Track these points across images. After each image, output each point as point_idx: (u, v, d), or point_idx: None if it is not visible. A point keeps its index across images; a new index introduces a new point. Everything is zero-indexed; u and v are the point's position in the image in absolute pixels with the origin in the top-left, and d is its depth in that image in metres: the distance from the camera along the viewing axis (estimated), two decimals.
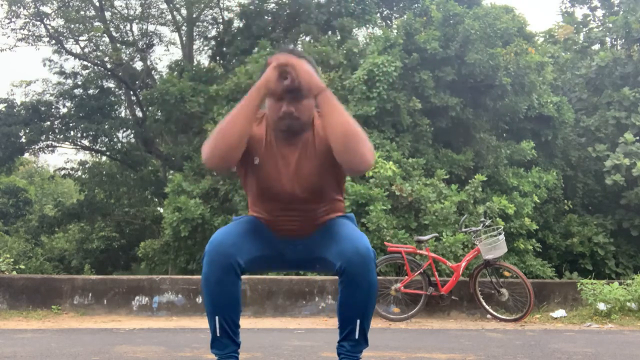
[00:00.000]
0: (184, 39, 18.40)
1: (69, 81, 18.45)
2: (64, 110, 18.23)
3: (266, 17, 15.17)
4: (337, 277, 2.21)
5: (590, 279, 6.85)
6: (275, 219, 2.33)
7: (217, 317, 2.19)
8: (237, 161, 2.20)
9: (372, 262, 2.15)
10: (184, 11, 18.16)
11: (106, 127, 17.31)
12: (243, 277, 2.23)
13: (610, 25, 12.96)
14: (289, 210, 2.30)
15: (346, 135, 2.09)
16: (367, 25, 15.10)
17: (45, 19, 16.78)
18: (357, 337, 2.21)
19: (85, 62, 18.24)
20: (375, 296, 2.24)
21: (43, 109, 17.76)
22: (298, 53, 2.28)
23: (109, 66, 17.63)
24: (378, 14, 15.63)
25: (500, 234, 6.54)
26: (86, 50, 18.05)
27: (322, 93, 2.14)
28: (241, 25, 15.60)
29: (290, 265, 2.49)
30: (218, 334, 2.20)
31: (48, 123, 17.80)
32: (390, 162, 8.66)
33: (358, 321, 2.20)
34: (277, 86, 2.17)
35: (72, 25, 16.91)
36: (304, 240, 2.33)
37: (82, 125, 17.34)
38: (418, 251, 6.57)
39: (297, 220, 2.32)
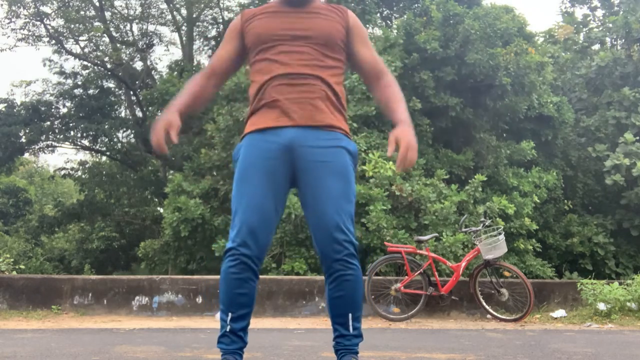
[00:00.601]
0: (184, 39, 18.41)
1: (69, 81, 18.47)
2: (64, 110, 18.25)
3: None
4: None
5: (590, 279, 6.85)
6: (276, 87, 2.28)
7: (230, 314, 2.22)
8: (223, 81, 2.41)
9: (354, 254, 2.18)
10: (184, 11, 18.17)
11: (106, 127, 17.32)
12: None
13: (610, 25, 12.96)
14: (290, 85, 2.28)
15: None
16: (367, 25, 15.09)
17: (45, 19, 16.79)
18: (351, 330, 2.24)
19: (85, 62, 18.26)
20: (362, 285, 2.25)
21: (43, 109, 17.76)
22: None
23: (109, 66, 17.64)
24: (378, 14, 15.61)
25: (500, 234, 6.54)
26: (86, 50, 18.06)
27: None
28: None
29: (293, 164, 2.32)
30: (228, 330, 2.22)
31: (48, 123, 17.81)
32: (390, 162, 8.66)
33: (350, 315, 2.23)
34: None
35: (72, 25, 16.92)
36: (301, 132, 2.25)
37: (82, 125, 17.35)
38: (418, 251, 6.57)
39: (299, 88, 2.27)
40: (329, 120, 2.29)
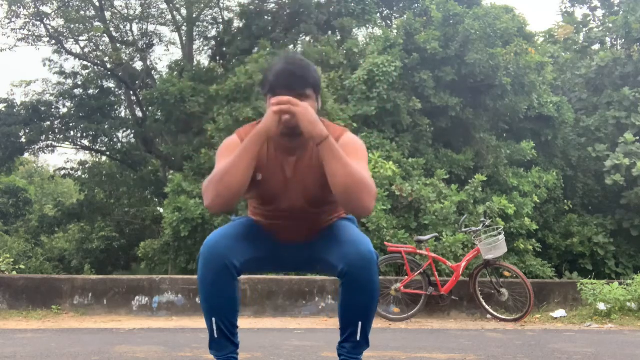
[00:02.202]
0: (184, 39, 18.39)
1: (69, 81, 18.45)
2: (64, 110, 18.23)
3: (266, 17, 15.16)
4: (337, 277, 2.20)
5: (590, 279, 6.85)
6: (276, 227, 2.32)
7: (213, 319, 2.20)
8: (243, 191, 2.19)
9: (375, 265, 2.15)
10: (184, 11, 18.15)
11: (106, 127, 17.32)
12: (243, 277, 2.23)
13: (610, 25, 12.97)
14: (291, 219, 2.29)
15: (349, 187, 2.04)
16: (367, 25, 15.10)
17: (45, 19, 16.77)
18: (358, 339, 2.21)
19: (85, 62, 18.24)
20: (377, 299, 2.24)
21: (43, 109, 17.75)
22: (298, 62, 2.22)
23: (109, 66, 17.62)
24: (378, 14, 15.62)
25: (500, 234, 6.53)
26: (86, 50, 18.04)
27: (324, 142, 2.07)
28: (241, 25, 15.60)
29: (289, 267, 2.48)
30: (216, 335, 2.20)
31: (48, 123, 17.79)
32: (390, 162, 8.66)
33: (360, 323, 2.20)
34: (277, 131, 2.16)
35: (72, 25, 16.90)
36: (305, 244, 2.32)
37: (82, 125, 17.34)
38: (418, 251, 6.57)
39: (299, 227, 2.31)
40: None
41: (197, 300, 6.41)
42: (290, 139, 2.22)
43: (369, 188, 2.06)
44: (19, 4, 16.08)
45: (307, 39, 14.20)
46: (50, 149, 18.43)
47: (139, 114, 18.25)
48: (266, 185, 2.25)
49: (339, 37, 13.69)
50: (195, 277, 6.83)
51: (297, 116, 2.08)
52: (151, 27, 18.86)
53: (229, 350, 2.22)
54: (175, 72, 15.63)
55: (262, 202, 2.32)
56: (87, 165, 20.02)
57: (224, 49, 16.02)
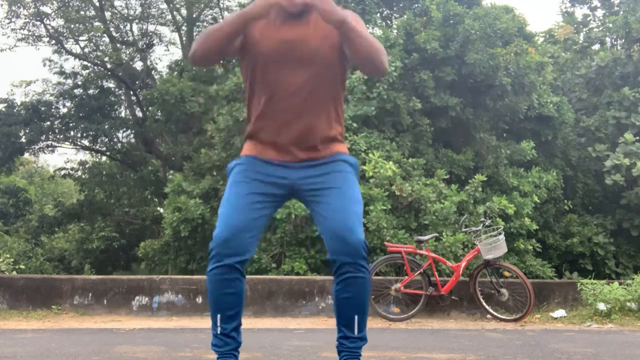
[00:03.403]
0: (184, 39, 18.40)
1: (69, 81, 18.45)
2: (64, 110, 18.24)
3: None
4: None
5: (590, 279, 6.84)
6: (275, 124, 2.27)
7: (219, 315, 2.21)
8: (220, 58, 2.27)
9: (365, 256, 2.17)
10: (184, 11, 18.16)
11: (106, 127, 17.32)
12: None
13: (610, 25, 12.96)
14: (290, 106, 2.25)
15: (371, 55, 2.17)
16: (367, 25, 15.08)
17: (45, 19, 16.78)
18: (356, 333, 2.23)
19: (85, 62, 18.25)
20: (370, 288, 2.25)
21: (43, 109, 17.75)
22: None
23: (109, 66, 17.63)
24: (378, 14, 15.61)
25: (500, 234, 6.54)
26: (86, 50, 18.05)
27: (344, 25, 2.14)
28: None
29: (289, 199, 2.43)
30: (219, 332, 2.22)
31: (48, 123, 17.80)
32: (390, 162, 8.66)
33: (356, 317, 2.22)
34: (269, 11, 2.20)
35: (72, 25, 16.91)
36: (301, 171, 2.28)
37: (82, 125, 17.34)
38: (418, 251, 6.57)
39: (298, 124, 2.26)
40: (329, 152, 2.33)
41: (197, 300, 6.41)
42: (292, 14, 2.28)
43: (384, 53, 2.23)
44: (19, 4, 16.09)
45: None
46: (50, 149, 18.45)
47: (139, 114, 18.26)
48: (263, 58, 2.25)
49: None
50: (195, 277, 6.84)
51: (315, 1, 2.14)
52: (151, 27, 18.89)
53: (231, 347, 2.24)
54: (175, 72, 15.65)
55: (263, 84, 2.28)
56: (87, 165, 20.04)
57: None
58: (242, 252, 2.18)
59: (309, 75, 2.25)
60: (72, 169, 20.09)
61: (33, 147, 17.96)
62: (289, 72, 2.24)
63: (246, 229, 2.20)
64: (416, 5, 14.01)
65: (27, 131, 16.95)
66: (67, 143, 18.68)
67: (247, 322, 5.59)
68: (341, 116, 2.39)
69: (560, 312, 6.65)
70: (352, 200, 2.24)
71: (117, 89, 19.09)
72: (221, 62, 16.33)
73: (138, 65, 18.44)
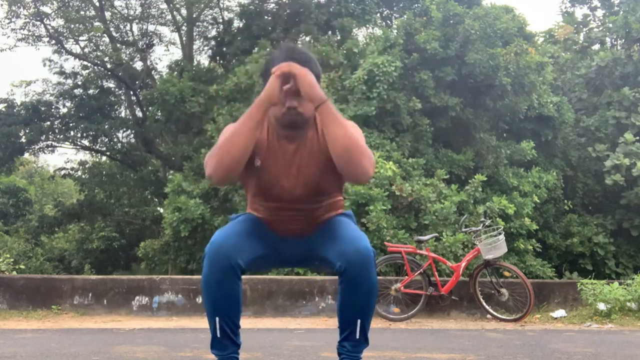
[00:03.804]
0: (184, 39, 18.40)
1: (69, 81, 18.44)
2: (64, 110, 18.22)
3: (266, 17, 15.17)
4: (337, 277, 2.21)
5: (590, 279, 6.84)
6: (275, 218, 2.33)
7: (217, 318, 2.19)
8: (240, 172, 2.19)
9: (373, 262, 2.15)
10: (184, 11, 18.15)
11: (106, 127, 17.30)
12: (243, 277, 2.23)
13: (610, 25, 12.96)
14: (289, 209, 2.29)
15: (348, 148, 2.09)
16: (367, 25, 15.11)
17: (45, 19, 16.77)
18: (357, 337, 2.21)
19: (85, 62, 18.24)
20: (376, 296, 2.24)
21: (43, 109, 17.74)
22: (300, 52, 2.27)
23: (109, 66, 17.62)
24: (378, 14, 15.64)
25: (500, 234, 6.54)
26: (86, 50, 18.04)
27: (323, 104, 2.12)
28: (241, 25, 15.61)
29: (289, 263, 2.48)
30: (218, 335, 2.20)
31: (48, 123, 17.79)
32: (390, 162, 8.66)
33: (359, 321, 2.20)
34: (280, 97, 2.16)
35: (72, 25, 16.89)
36: (303, 239, 2.33)
37: (82, 125, 17.33)
38: (418, 251, 6.57)
39: (297, 219, 2.31)
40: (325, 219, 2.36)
41: (197, 300, 6.41)
42: (290, 129, 2.25)
43: (368, 153, 2.12)
44: (19, 4, 16.08)
45: (307, 39, 14.20)
46: (50, 149, 18.43)
47: (139, 114, 18.25)
48: (265, 172, 2.26)
49: (339, 37, 13.69)
50: (195, 277, 6.84)
51: (297, 78, 2.11)
52: (151, 27, 18.88)
53: (231, 350, 2.22)
54: (175, 72, 15.64)
55: (261, 191, 2.31)
56: (87, 165, 20.02)
57: (224, 49, 16.04)
58: (237, 257, 2.15)
59: (307, 189, 2.27)
60: (72, 169, 20.08)
61: (33, 147, 17.95)
62: (287, 186, 2.26)
63: (244, 242, 2.21)
64: (416, 5, 14.02)
65: (27, 131, 16.94)
66: (67, 143, 18.67)
67: (247, 322, 5.60)
68: (342, 195, 2.44)
69: (560, 312, 6.66)
70: (354, 229, 2.27)
71: (117, 89, 19.09)
72: (220, 62, 16.33)
73: (138, 65, 18.44)
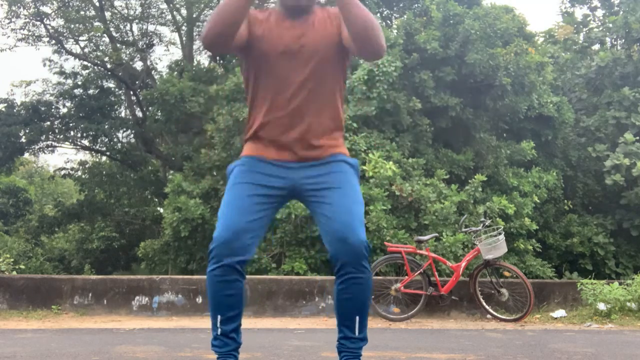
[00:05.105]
0: (184, 39, 18.41)
1: (69, 81, 18.45)
2: (64, 110, 18.23)
3: None
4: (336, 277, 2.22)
5: (590, 279, 6.85)
6: (276, 125, 2.28)
7: (219, 316, 2.21)
8: (233, 40, 2.17)
9: (366, 256, 2.16)
10: (184, 11, 18.16)
11: (106, 127, 17.32)
12: None
13: (610, 25, 12.96)
14: (291, 106, 2.25)
15: (366, 27, 2.11)
16: None
17: (45, 19, 16.78)
18: (357, 333, 2.23)
19: (85, 62, 18.24)
20: (371, 289, 2.25)
21: (43, 109, 17.75)
22: None
23: (109, 66, 17.63)
24: (378, 14, 15.61)
25: (500, 234, 6.54)
26: (86, 50, 18.05)
27: None
28: None
29: (289, 200, 2.43)
30: (219, 332, 2.22)
31: (48, 123, 17.79)
32: (390, 162, 8.65)
33: (357, 317, 2.22)
34: None
35: (72, 25, 16.90)
36: (301, 171, 2.29)
37: (82, 125, 17.34)
38: (418, 251, 6.57)
39: (299, 126, 2.27)
40: (329, 152, 2.33)
41: (197, 300, 6.41)
42: (294, 12, 2.28)
43: (381, 30, 2.16)
44: (19, 4, 16.08)
45: None
46: (50, 149, 18.44)
47: (139, 114, 18.26)
48: (267, 56, 2.26)
49: None
50: (195, 277, 6.84)
51: None
52: (151, 27, 18.90)
53: (231, 347, 2.23)
54: (175, 72, 15.64)
55: (263, 83, 2.28)
56: (87, 165, 20.02)
57: None
58: (242, 252, 2.17)
59: (311, 73, 2.26)
60: (72, 169, 20.09)
61: (33, 147, 17.95)
62: (291, 70, 2.26)
63: (246, 230, 2.20)
64: (416, 5, 14.01)
65: (27, 131, 16.94)
66: (67, 143, 18.68)
67: (247, 322, 5.59)
68: (342, 117, 2.39)
69: (560, 312, 6.66)
70: (353, 201, 2.24)
71: (117, 89, 19.09)
72: (220, 62, 16.33)
73: (138, 65, 18.45)
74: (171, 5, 17.85)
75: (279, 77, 2.27)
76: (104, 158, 20.64)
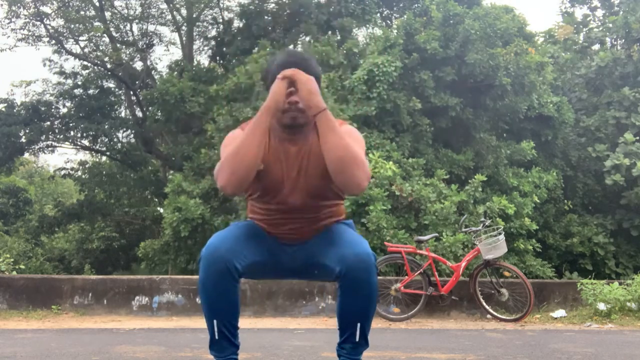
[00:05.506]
0: (184, 39, 18.41)
1: (69, 81, 18.45)
2: (64, 110, 18.23)
3: (266, 17, 15.16)
4: (334, 281, 2.20)
5: (590, 279, 6.84)
6: (275, 221, 2.31)
7: (215, 321, 2.19)
8: (256, 170, 2.16)
9: (373, 266, 2.14)
10: (184, 11, 18.16)
11: (106, 127, 17.31)
12: (243, 277, 2.22)
13: (610, 25, 12.97)
14: (290, 212, 2.28)
15: (342, 159, 2.07)
16: (367, 25, 15.10)
17: (45, 19, 16.77)
18: (357, 339, 2.20)
19: (85, 62, 18.24)
20: (376, 300, 2.23)
21: (43, 109, 17.74)
22: (299, 54, 2.28)
23: (109, 66, 17.62)
24: (378, 14, 15.63)
25: (500, 234, 6.53)
26: (86, 50, 18.04)
27: (321, 113, 2.11)
28: (241, 25, 15.60)
29: (288, 273, 2.43)
30: (217, 337, 2.20)
31: (48, 123, 17.79)
32: (390, 162, 8.65)
33: (359, 325, 2.19)
34: (284, 103, 2.18)
35: (72, 25, 16.90)
36: (303, 245, 2.31)
37: (82, 125, 17.33)
38: (418, 251, 6.57)
39: (298, 223, 2.30)
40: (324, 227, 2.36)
41: (197, 300, 6.41)
42: (291, 130, 2.25)
43: (364, 165, 2.09)
44: (19, 4, 16.07)
45: (307, 39, 14.19)
46: (50, 149, 18.43)
47: (139, 114, 18.26)
48: (267, 175, 2.24)
49: (339, 37, 13.68)
50: (195, 277, 6.83)
51: (298, 83, 2.12)
52: (151, 27, 18.88)
53: (230, 351, 2.22)
54: (175, 72, 15.65)
55: (262, 195, 2.30)
56: (87, 165, 20.02)
57: (224, 49, 16.03)
58: (234, 260, 2.13)
59: (308, 192, 2.26)
60: (72, 169, 20.09)
61: (33, 147, 17.95)
62: (288, 188, 2.25)
63: (241, 246, 2.19)
64: (416, 5, 14.02)
65: (27, 131, 16.94)
66: (67, 143, 18.67)
67: (247, 322, 5.60)
68: (342, 208, 2.44)
69: (560, 312, 6.65)
70: (353, 234, 2.27)
71: (117, 89, 19.09)
72: (220, 62, 16.33)
73: (138, 65, 18.44)
74: (171, 5, 17.85)
75: (274, 199, 2.27)
76: (104, 158, 20.64)
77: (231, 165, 2.09)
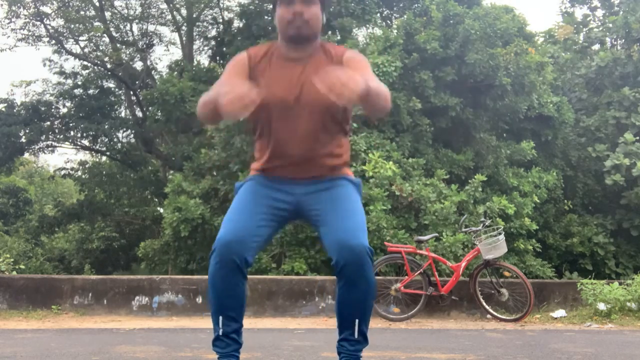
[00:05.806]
0: (184, 39, 18.41)
1: (69, 81, 18.46)
2: (64, 110, 18.24)
3: (266, 17, 15.14)
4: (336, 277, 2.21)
5: (590, 279, 6.85)
6: (279, 155, 2.28)
7: (221, 317, 2.21)
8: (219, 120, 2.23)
9: (369, 261, 2.15)
10: (184, 11, 18.16)
11: (106, 127, 17.32)
12: None
13: (610, 25, 12.97)
14: (295, 140, 2.25)
15: (383, 108, 2.12)
16: (367, 25, 15.09)
17: (45, 19, 16.78)
18: (356, 336, 2.22)
19: (85, 62, 18.25)
20: (374, 294, 2.24)
21: (43, 109, 17.75)
22: None
23: (109, 66, 17.63)
24: (378, 14, 15.61)
25: (500, 234, 6.54)
26: (86, 50, 18.05)
27: (368, 94, 1.96)
28: (241, 25, 15.59)
29: (294, 218, 2.43)
30: (221, 333, 2.22)
31: (48, 123, 17.80)
32: (390, 162, 8.65)
33: (357, 320, 2.21)
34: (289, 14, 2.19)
35: (72, 25, 16.91)
36: (305, 187, 2.30)
37: (82, 125, 17.34)
38: (418, 251, 6.57)
39: (300, 148, 2.26)
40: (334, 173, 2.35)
41: (197, 300, 6.41)
42: (296, 44, 2.23)
43: (389, 97, 2.13)
44: (19, 4, 16.08)
45: None
46: (50, 149, 18.44)
47: (139, 114, 18.27)
48: (270, 95, 2.21)
49: (339, 37, 13.67)
50: (195, 277, 6.84)
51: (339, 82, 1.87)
52: (151, 27, 18.89)
53: (232, 348, 2.24)
54: (175, 72, 15.64)
55: (266, 117, 2.27)
56: (87, 165, 20.04)
57: (224, 49, 16.02)
58: (245, 253, 2.16)
59: (314, 119, 2.25)
60: (72, 169, 20.11)
61: (33, 147, 17.96)
62: (294, 118, 2.24)
63: (250, 233, 2.20)
64: (416, 5, 14.01)
65: (27, 131, 16.94)
66: (67, 143, 18.68)
67: (247, 322, 5.58)
68: (347, 147, 2.42)
69: (560, 312, 6.66)
70: (354, 212, 2.25)
71: (117, 89, 19.10)
72: (220, 62, 16.32)
73: (138, 65, 18.45)
74: (171, 5, 17.85)
75: (281, 126, 2.26)
76: (104, 158, 20.65)
77: (203, 112, 2.20)
